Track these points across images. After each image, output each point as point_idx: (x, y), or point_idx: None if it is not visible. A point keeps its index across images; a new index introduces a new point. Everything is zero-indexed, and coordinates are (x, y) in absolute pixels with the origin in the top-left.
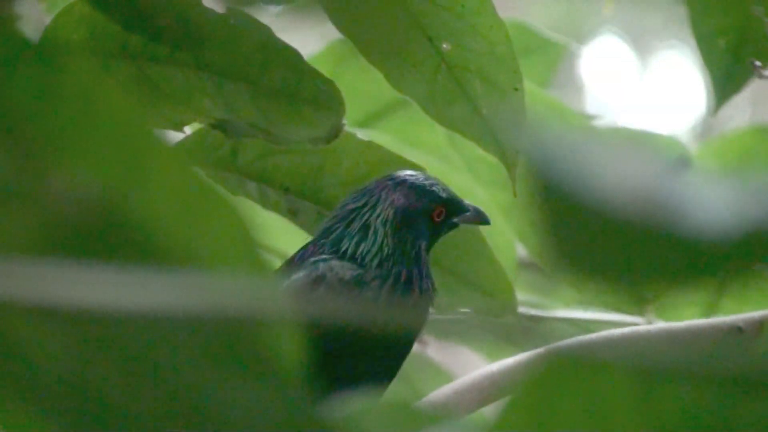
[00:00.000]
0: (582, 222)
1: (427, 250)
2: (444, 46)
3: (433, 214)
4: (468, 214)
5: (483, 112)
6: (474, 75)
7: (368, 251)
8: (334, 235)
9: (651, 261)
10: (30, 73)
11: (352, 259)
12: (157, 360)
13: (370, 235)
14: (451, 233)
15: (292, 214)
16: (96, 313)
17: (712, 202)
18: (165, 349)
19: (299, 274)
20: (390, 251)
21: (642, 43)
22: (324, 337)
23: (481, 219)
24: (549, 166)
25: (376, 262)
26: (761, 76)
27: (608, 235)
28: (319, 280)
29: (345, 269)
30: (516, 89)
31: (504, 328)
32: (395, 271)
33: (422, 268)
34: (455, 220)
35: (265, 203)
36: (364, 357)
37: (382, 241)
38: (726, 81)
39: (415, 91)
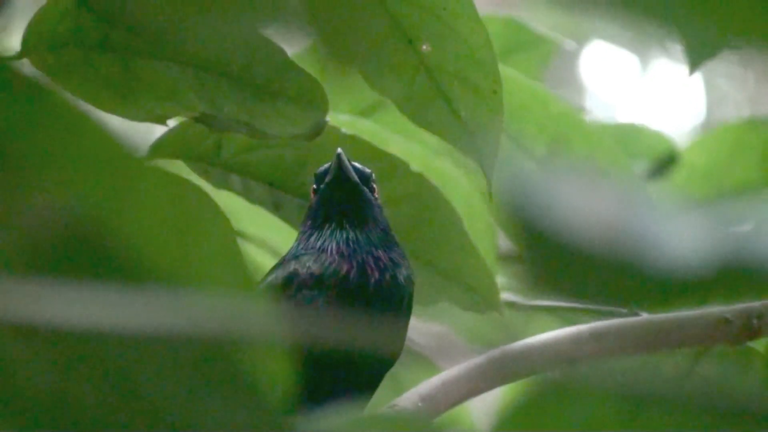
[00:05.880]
0: (554, 253)
1: (363, 230)
2: (424, 47)
3: (312, 191)
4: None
5: (461, 114)
6: (453, 77)
7: (323, 245)
8: (304, 232)
9: (621, 291)
10: (8, 93)
11: (323, 253)
12: (138, 378)
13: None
14: (428, 226)
15: (276, 208)
16: (78, 331)
17: (681, 234)
18: (146, 367)
19: (276, 274)
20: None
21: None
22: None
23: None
24: (521, 201)
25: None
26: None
27: (580, 265)
28: (291, 277)
29: (316, 265)
30: (495, 92)
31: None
32: (355, 261)
33: (375, 254)
34: (322, 185)
35: (250, 197)
36: (340, 367)
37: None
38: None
39: (393, 91)
